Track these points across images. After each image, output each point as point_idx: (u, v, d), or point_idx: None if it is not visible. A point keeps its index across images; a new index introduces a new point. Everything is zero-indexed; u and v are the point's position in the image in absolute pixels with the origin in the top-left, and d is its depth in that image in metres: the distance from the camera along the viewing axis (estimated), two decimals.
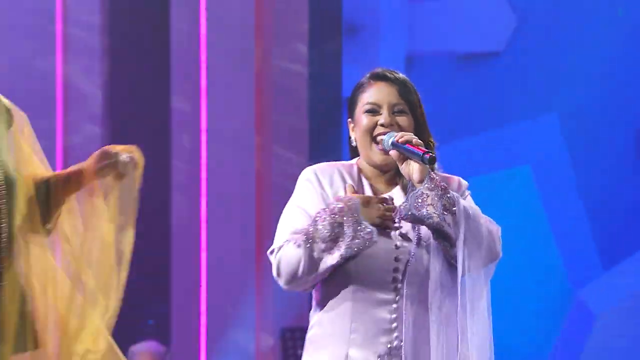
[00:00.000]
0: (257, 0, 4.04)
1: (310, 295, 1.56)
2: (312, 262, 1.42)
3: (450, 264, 1.48)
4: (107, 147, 1.47)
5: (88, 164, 1.47)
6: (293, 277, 1.44)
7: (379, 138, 1.48)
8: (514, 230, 2.91)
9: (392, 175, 1.55)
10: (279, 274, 1.47)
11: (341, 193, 1.49)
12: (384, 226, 1.46)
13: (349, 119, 1.58)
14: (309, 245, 1.42)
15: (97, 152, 1.46)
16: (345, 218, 1.43)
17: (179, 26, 4.04)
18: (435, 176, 1.44)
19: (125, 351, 1.63)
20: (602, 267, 4.76)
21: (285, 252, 1.44)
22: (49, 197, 1.51)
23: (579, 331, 4.78)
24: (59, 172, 1.57)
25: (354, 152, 1.59)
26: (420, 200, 1.44)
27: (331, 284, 1.49)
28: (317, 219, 1.43)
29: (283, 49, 4.12)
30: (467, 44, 4.80)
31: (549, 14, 4.68)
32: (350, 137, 1.58)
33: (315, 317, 1.55)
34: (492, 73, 4.72)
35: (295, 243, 1.43)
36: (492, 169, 4.54)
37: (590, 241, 4.82)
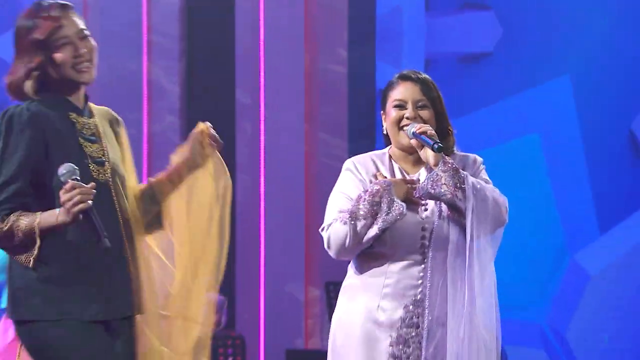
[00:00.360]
0: (306, 14, 4.77)
1: None
2: (356, 235, 1.63)
3: (461, 228, 1.67)
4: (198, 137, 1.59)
5: (180, 159, 1.60)
6: (341, 249, 1.67)
7: (405, 128, 1.71)
8: (518, 195, 3.35)
9: (417, 157, 1.73)
10: (329, 247, 1.67)
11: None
12: (412, 202, 1.68)
13: (382, 112, 1.80)
14: (353, 222, 1.62)
15: (189, 146, 1.59)
16: (381, 198, 1.63)
17: (242, 34, 4.74)
18: (448, 160, 1.65)
19: None
20: (600, 230, 5.12)
21: (334, 229, 1.65)
22: (154, 200, 1.62)
23: (575, 291, 5.11)
24: (158, 176, 1.64)
25: (387, 140, 1.81)
26: (435, 181, 1.63)
27: (370, 249, 1.70)
28: (358, 200, 1.65)
29: (327, 53, 4.79)
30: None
31: None
32: (383, 126, 1.81)
33: (352, 271, 1.77)
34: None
35: (341, 221, 1.63)
36: (502, 139, 5.09)
37: (590, 206, 5.09)
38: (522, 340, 4.96)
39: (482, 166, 1.78)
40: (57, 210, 1.42)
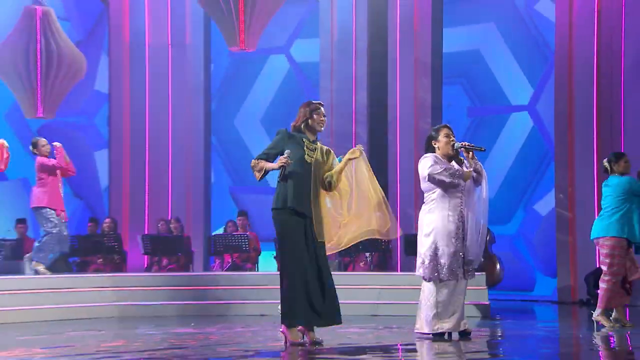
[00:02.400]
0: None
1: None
2: (446, 184, 4.80)
3: (474, 185, 4.89)
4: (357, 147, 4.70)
5: (340, 166, 4.56)
6: (442, 186, 4.82)
7: (456, 145, 4.83)
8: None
9: (450, 158, 4.86)
10: (436, 184, 4.83)
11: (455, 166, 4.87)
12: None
13: (434, 141, 4.88)
14: (447, 178, 4.79)
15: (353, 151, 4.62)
16: (458, 172, 4.82)
17: None
18: (475, 159, 4.85)
19: None
20: None
21: (440, 179, 4.77)
22: (335, 178, 4.61)
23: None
24: (334, 169, 4.56)
25: (433, 150, 4.86)
26: (473, 166, 4.85)
27: (443, 190, 4.82)
28: (450, 170, 4.78)
29: None
30: None
31: None
32: (433, 147, 4.86)
33: (433, 196, 4.86)
34: None
35: (441, 176, 4.75)
36: None
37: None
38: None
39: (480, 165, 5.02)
40: (274, 164, 4.51)
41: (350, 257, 8.25)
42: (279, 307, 4.77)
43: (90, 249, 8.91)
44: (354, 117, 9.41)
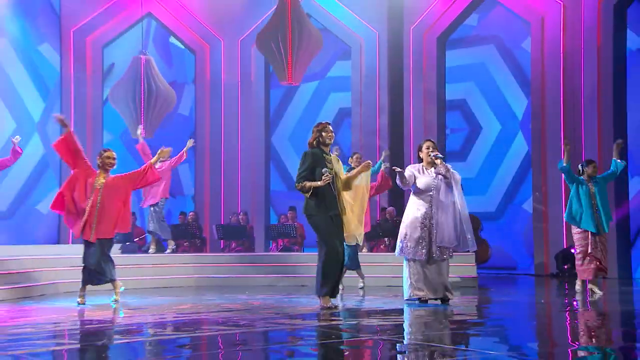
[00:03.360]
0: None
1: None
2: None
3: (449, 186, 5.98)
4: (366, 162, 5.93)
5: (353, 173, 5.90)
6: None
7: (432, 154, 5.97)
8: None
9: (431, 165, 6.01)
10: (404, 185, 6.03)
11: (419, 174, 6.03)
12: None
13: (420, 152, 6.10)
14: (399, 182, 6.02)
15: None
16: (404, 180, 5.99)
17: None
18: (446, 166, 6.00)
19: None
20: None
21: (408, 181, 5.99)
22: (347, 182, 5.84)
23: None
24: (347, 176, 5.83)
25: (420, 160, 6.09)
26: (441, 172, 6.00)
27: (416, 191, 6.04)
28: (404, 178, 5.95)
29: None
30: None
31: None
32: (419, 157, 6.08)
33: (411, 194, 6.10)
34: None
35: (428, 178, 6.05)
36: None
37: None
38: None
39: (456, 173, 6.15)
40: (318, 182, 5.61)
41: (375, 241, 10.12)
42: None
43: (179, 235, 10.61)
44: (377, 135, 12.02)
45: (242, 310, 6.01)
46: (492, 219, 11.50)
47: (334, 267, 5.76)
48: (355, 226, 5.90)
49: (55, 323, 5.31)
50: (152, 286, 8.41)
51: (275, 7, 10.13)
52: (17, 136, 7.76)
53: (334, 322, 5.16)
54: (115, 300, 6.42)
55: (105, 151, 6.47)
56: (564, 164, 7.21)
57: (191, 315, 5.80)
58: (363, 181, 6.01)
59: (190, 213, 11.30)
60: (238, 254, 10.35)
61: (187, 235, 10.80)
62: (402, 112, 12.00)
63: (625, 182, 10.15)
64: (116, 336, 4.78)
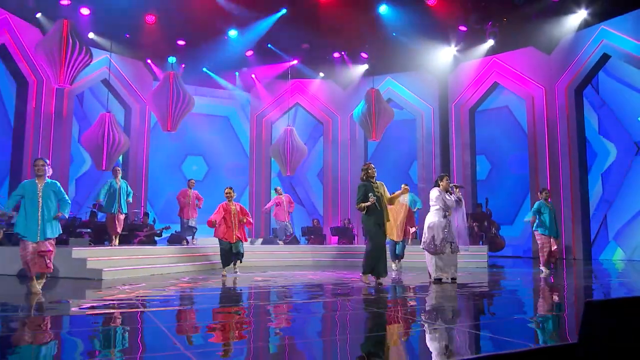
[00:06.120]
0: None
1: None
2: (443, 205, 7.98)
3: (459, 206, 8.03)
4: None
5: (395, 194, 7.91)
6: (441, 204, 7.96)
7: (451, 185, 8.12)
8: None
9: (447, 191, 7.97)
10: (436, 202, 7.98)
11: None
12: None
13: (440, 181, 8.03)
14: (442, 204, 7.97)
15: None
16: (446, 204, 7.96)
17: None
18: (459, 194, 8.14)
19: None
20: None
21: (446, 202, 8.00)
22: (390, 200, 7.85)
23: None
24: (390, 196, 7.80)
25: (438, 186, 8.07)
26: (457, 197, 8.08)
27: (442, 207, 7.91)
28: (444, 199, 7.96)
29: None
30: None
31: None
32: (438, 185, 7.98)
33: (435, 207, 7.94)
34: None
35: (440, 202, 7.97)
36: None
37: None
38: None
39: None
40: (368, 203, 7.54)
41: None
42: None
43: (309, 233, 15.42)
44: (433, 170, 17.68)
45: (333, 278, 8.23)
46: (507, 223, 16.98)
47: (374, 258, 7.30)
48: (396, 229, 8.01)
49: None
50: (288, 264, 11.56)
51: (365, 94, 16.50)
52: None
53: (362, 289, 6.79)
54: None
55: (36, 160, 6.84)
56: (531, 216, 9.56)
57: (312, 281, 8.02)
58: (405, 199, 9.20)
59: (314, 220, 16.76)
60: (342, 246, 13.96)
61: (313, 233, 15.58)
62: (448, 156, 17.64)
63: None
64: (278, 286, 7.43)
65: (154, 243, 13.04)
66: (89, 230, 12.54)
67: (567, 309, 5.24)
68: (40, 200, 6.48)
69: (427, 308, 5.40)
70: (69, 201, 6.71)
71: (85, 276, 8.33)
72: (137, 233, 13.26)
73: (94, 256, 8.82)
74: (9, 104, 14.93)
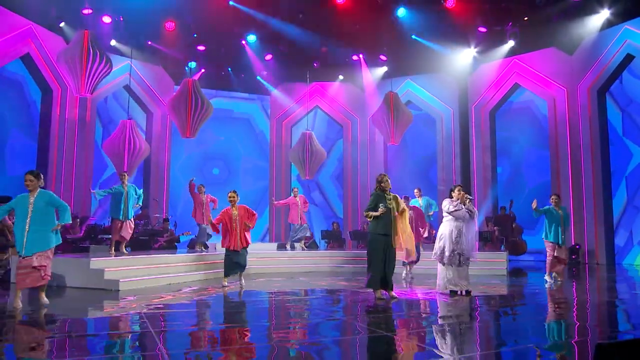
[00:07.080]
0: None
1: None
2: (456, 215, 7.76)
3: (471, 217, 7.79)
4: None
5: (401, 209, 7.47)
6: (455, 215, 7.83)
7: (465, 196, 7.91)
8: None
9: (460, 201, 7.83)
10: (451, 214, 7.89)
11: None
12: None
13: (452, 192, 7.96)
14: (455, 214, 7.84)
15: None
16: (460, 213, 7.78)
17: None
18: (470, 205, 7.87)
19: None
20: None
21: (457, 213, 7.81)
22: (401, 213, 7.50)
23: None
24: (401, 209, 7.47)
25: (451, 196, 8.00)
26: (469, 207, 7.88)
27: (453, 218, 7.86)
28: (458, 209, 7.83)
29: None
30: None
31: None
32: (451, 195, 7.95)
33: (447, 217, 7.88)
34: None
35: (454, 213, 7.80)
36: None
37: None
38: None
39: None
40: (376, 213, 7.37)
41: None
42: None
43: (329, 237, 15.84)
44: (454, 172, 17.93)
45: (343, 285, 8.88)
46: (530, 229, 16.77)
47: (377, 273, 7.43)
48: (404, 241, 7.47)
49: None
50: (304, 270, 11.83)
51: (384, 97, 16.73)
52: None
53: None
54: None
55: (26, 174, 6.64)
56: (536, 215, 9.63)
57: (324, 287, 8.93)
58: (419, 204, 11.07)
59: (334, 223, 17.21)
60: (358, 251, 13.43)
61: (332, 237, 16.02)
62: (469, 158, 17.72)
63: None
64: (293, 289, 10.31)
65: (174, 249, 13.30)
66: (109, 236, 12.76)
67: (576, 347, 4.45)
68: (30, 213, 6.39)
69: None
70: (67, 205, 6.61)
71: (103, 287, 8.51)
72: (157, 238, 13.52)
73: (112, 266, 9.00)
74: (34, 111, 15.28)
